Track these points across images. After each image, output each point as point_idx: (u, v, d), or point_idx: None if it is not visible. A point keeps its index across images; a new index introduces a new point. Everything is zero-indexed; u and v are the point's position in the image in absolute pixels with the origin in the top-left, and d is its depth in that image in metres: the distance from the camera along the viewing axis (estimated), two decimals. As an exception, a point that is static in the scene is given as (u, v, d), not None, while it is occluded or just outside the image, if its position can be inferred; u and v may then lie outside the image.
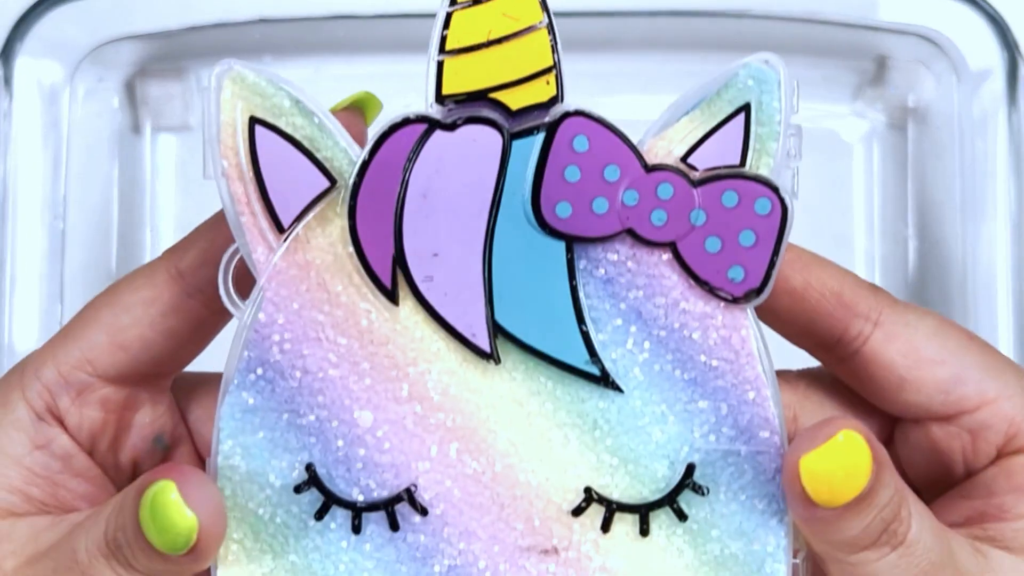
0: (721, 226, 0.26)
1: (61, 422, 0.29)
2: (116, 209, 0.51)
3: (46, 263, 0.48)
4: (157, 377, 0.29)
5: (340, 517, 0.27)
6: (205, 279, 0.28)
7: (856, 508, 0.26)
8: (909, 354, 0.29)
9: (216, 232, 0.28)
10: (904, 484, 0.27)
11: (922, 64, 0.49)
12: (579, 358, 0.27)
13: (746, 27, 0.48)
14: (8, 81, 0.46)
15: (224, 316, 0.28)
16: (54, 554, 0.28)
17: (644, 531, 0.27)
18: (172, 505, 0.26)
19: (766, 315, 0.28)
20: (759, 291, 0.27)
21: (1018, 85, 0.46)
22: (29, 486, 0.29)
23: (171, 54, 0.51)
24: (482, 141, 0.26)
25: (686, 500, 0.27)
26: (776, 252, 0.26)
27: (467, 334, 0.27)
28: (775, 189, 0.26)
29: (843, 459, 0.26)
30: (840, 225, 0.48)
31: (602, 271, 0.27)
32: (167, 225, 0.51)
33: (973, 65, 0.47)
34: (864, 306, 0.29)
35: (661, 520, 0.27)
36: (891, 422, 0.30)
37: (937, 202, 0.49)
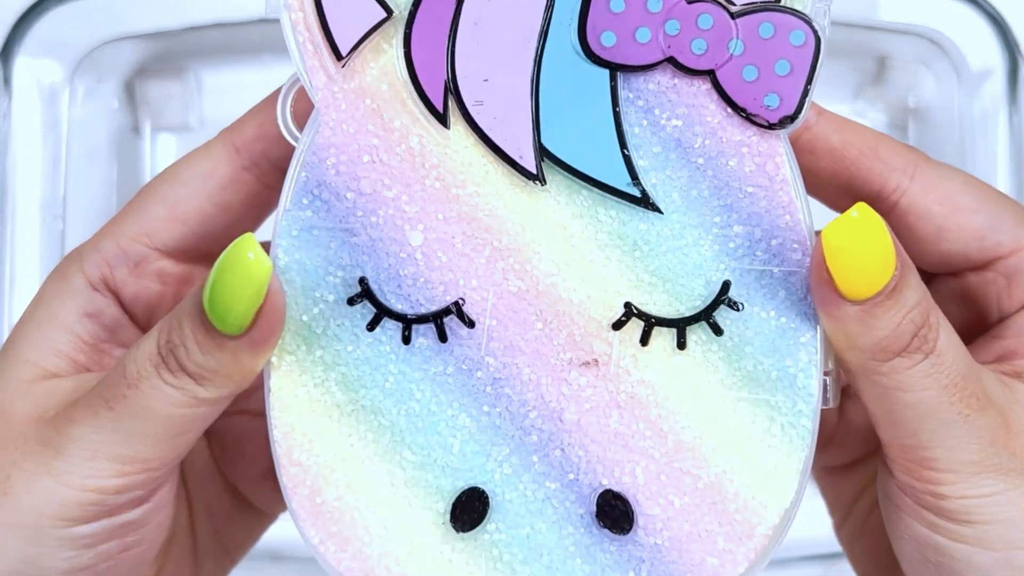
0: (758, 55, 0.27)
1: (116, 294, 0.30)
2: (115, 209, 0.51)
3: (46, 263, 0.48)
4: (212, 255, 0.29)
5: (390, 329, 0.29)
6: (260, 153, 0.30)
7: (884, 304, 0.27)
8: (945, 203, 0.30)
9: (270, 109, 0.29)
10: (930, 295, 0.28)
11: (923, 64, 0.49)
12: (621, 180, 0.28)
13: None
14: (7, 81, 0.46)
15: (276, 192, 0.29)
16: (101, 381, 0.29)
17: (681, 344, 0.28)
18: (247, 255, 0.27)
19: (808, 179, 0.29)
20: (793, 117, 0.28)
21: (1018, 85, 0.46)
22: (76, 352, 0.30)
23: (170, 54, 0.51)
24: None
25: (722, 317, 0.28)
26: (810, 80, 0.27)
27: (515, 156, 0.28)
28: (808, 22, 0.27)
29: (862, 234, 0.26)
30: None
31: (643, 100, 0.28)
32: (167, 225, 0.51)
33: (973, 65, 0.47)
34: (900, 161, 0.30)
35: (698, 335, 0.28)
36: (927, 281, 0.31)
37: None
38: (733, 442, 0.28)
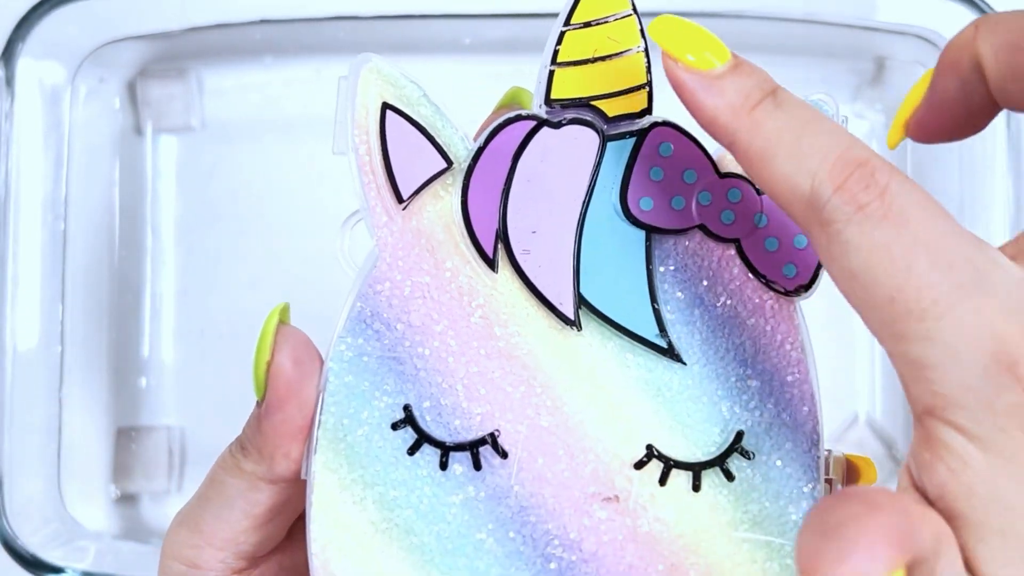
0: (779, 229, 0.31)
1: None
2: (117, 209, 0.51)
3: (46, 263, 0.49)
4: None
5: (429, 454, 0.31)
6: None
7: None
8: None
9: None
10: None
11: (921, 65, 0.49)
12: (650, 331, 0.31)
13: (746, 28, 0.48)
14: (10, 82, 0.47)
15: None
16: None
17: (696, 487, 0.31)
18: (271, 318, 0.31)
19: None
20: (808, 287, 0.31)
21: (1017, 86, 0.46)
22: None
23: (172, 55, 0.51)
24: (582, 139, 0.31)
25: (734, 464, 0.31)
26: None
27: (555, 302, 0.31)
28: None
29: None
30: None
31: (673, 261, 0.31)
32: (167, 225, 0.52)
33: (972, 66, 0.47)
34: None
35: (711, 479, 0.31)
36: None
37: (936, 202, 0.49)
38: None
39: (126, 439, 0.52)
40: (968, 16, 0.48)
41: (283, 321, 0.31)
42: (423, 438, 0.31)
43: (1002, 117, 0.48)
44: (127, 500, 0.52)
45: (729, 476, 0.31)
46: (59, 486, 0.50)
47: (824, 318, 0.52)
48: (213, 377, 0.51)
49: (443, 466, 0.31)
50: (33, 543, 0.47)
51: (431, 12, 0.49)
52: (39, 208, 0.49)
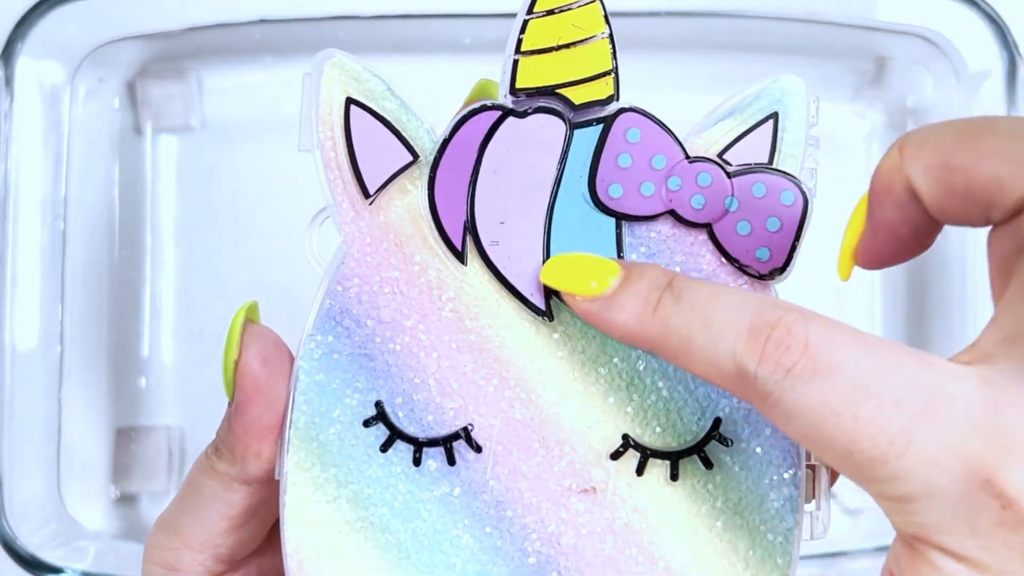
0: (751, 212, 0.30)
1: None
2: (116, 209, 0.51)
3: (46, 263, 0.49)
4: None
5: (402, 451, 0.31)
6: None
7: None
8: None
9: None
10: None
11: (921, 65, 0.49)
12: None
13: (746, 28, 0.48)
14: (9, 82, 0.47)
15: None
16: None
17: (674, 476, 0.31)
18: (236, 324, 0.30)
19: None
20: (782, 270, 0.31)
21: (1017, 86, 0.46)
22: None
23: (172, 55, 0.51)
24: (548, 128, 0.31)
25: (712, 451, 0.31)
26: (797, 237, 0.31)
27: (526, 293, 0.31)
28: (798, 184, 0.31)
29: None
30: (840, 225, 0.48)
31: (645, 248, 0.31)
32: (167, 225, 0.52)
33: (972, 66, 0.47)
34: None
35: (689, 468, 0.31)
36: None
37: (936, 202, 0.49)
38: (719, 569, 0.31)
39: (126, 439, 0.52)
40: (968, 16, 0.48)
41: (251, 320, 0.31)
42: (395, 434, 0.31)
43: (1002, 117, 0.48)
44: (127, 500, 0.52)
45: (708, 464, 0.31)
46: (59, 486, 0.50)
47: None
48: (213, 377, 0.51)
49: (416, 462, 0.31)
50: (33, 543, 0.47)
51: (431, 12, 0.49)
52: (38, 208, 0.49)
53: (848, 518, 0.52)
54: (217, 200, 0.52)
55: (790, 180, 0.31)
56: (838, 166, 0.52)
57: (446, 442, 0.31)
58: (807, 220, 0.30)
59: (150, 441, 0.52)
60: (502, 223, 0.31)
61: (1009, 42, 0.48)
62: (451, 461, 0.31)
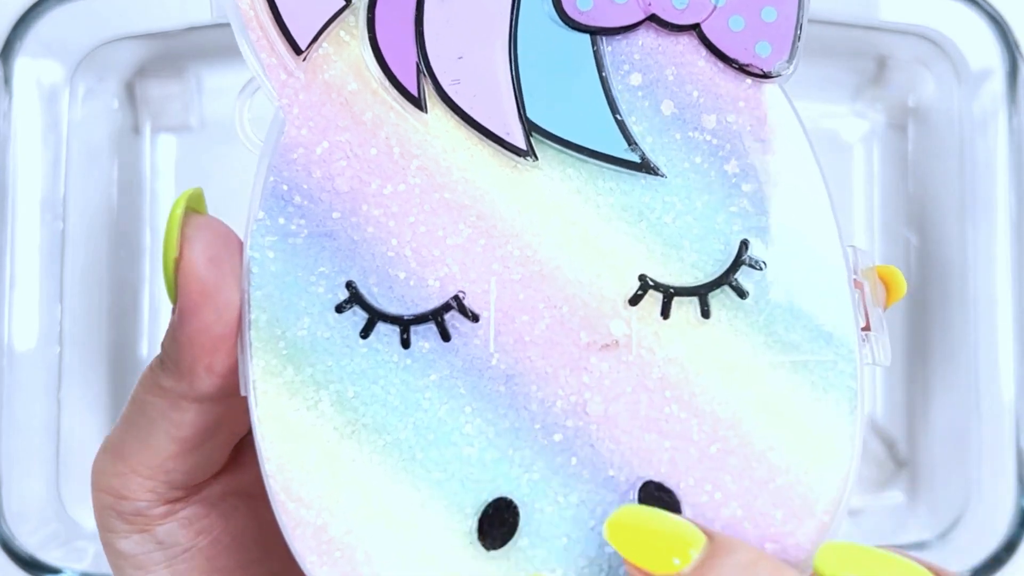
0: (743, 5, 0.27)
1: None
2: (115, 209, 0.51)
3: (45, 263, 0.49)
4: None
5: (386, 335, 0.27)
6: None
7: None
8: None
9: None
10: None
11: (922, 64, 0.49)
12: (617, 147, 0.27)
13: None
14: (8, 81, 0.47)
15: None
16: None
17: (706, 313, 0.27)
18: (175, 215, 0.26)
19: None
20: (788, 62, 0.27)
21: (1018, 85, 0.46)
22: None
23: (171, 54, 0.51)
24: None
25: (744, 278, 0.27)
26: (799, 23, 0.27)
27: (501, 133, 0.27)
28: None
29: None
30: (840, 225, 0.48)
31: (629, 64, 0.27)
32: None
33: (973, 65, 0.47)
34: None
35: (722, 301, 0.27)
36: None
37: (937, 202, 0.49)
38: (776, 413, 0.26)
39: (125, 439, 0.52)
40: (969, 16, 0.48)
41: (195, 210, 0.27)
42: (375, 316, 0.27)
43: (1002, 117, 0.48)
44: (126, 501, 0.52)
45: (742, 294, 0.27)
46: (58, 487, 0.50)
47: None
48: (212, 377, 0.51)
49: (405, 344, 0.26)
50: (31, 544, 0.47)
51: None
52: (37, 208, 0.49)
53: (849, 518, 0.52)
54: (216, 200, 0.52)
55: None
56: (838, 166, 0.52)
57: (436, 315, 0.26)
58: (806, 3, 0.27)
59: (149, 441, 0.52)
60: (460, 58, 0.27)
61: (1010, 42, 0.48)
62: (445, 337, 0.26)
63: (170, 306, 0.54)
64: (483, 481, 0.26)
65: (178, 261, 0.26)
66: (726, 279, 0.26)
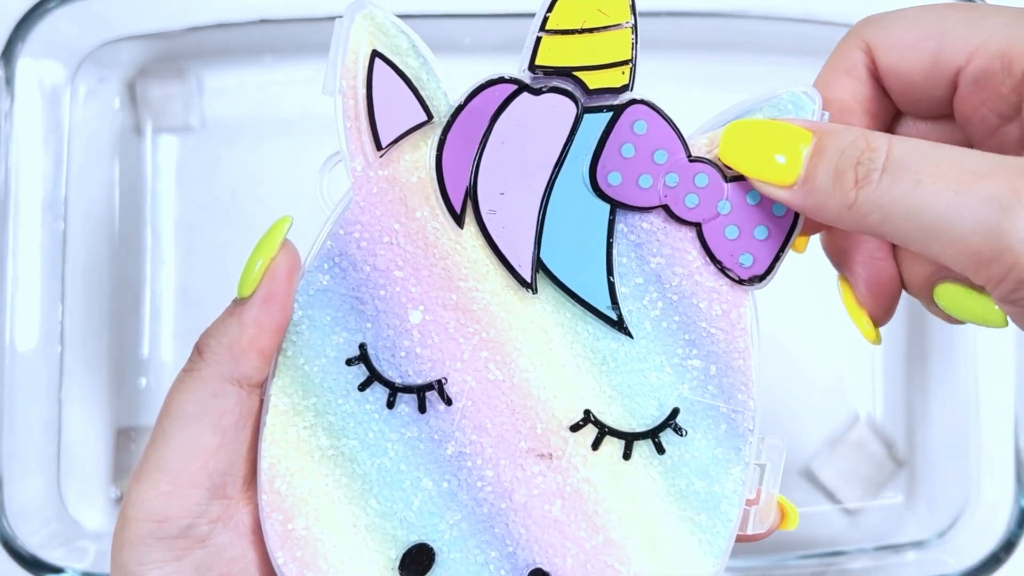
0: (742, 218, 0.31)
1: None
2: (116, 209, 0.51)
3: (46, 263, 0.49)
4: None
5: (378, 392, 0.32)
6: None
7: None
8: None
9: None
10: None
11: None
12: (603, 302, 0.32)
13: (746, 27, 0.48)
14: (9, 82, 0.47)
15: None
16: None
17: (627, 455, 0.32)
18: (281, 227, 0.32)
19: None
20: (762, 277, 0.32)
21: (1017, 86, 0.46)
22: None
23: (172, 55, 0.51)
24: (560, 108, 0.31)
25: (666, 438, 0.32)
26: (783, 248, 0.31)
27: (515, 263, 0.32)
28: None
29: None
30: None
31: (635, 236, 0.32)
32: (167, 225, 0.52)
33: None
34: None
35: (642, 450, 0.32)
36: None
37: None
38: (656, 549, 0.32)
39: (126, 439, 0.52)
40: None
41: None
42: (375, 376, 0.32)
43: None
44: (127, 500, 0.52)
45: (660, 449, 0.32)
46: (59, 486, 0.50)
47: (824, 319, 0.52)
48: (213, 377, 0.51)
49: (390, 405, 0.32)
50: (33, 543, 0.47)
51: (431, 12, 0.49)
52: (39, 208, 0.49)
53: (848, 518, 0.52)
54: (217, 200, 0.53)
55: None
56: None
57: (420, 391, 0.32)
58: (795, 233, 0.32)
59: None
60: (502, 194, 0.32)
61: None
62: (422, 409, 0.32)
63: (170, 307, 0.54)
64: (415, 525, 0.33)
65: (273, 260, 0.31)
66: (652, 434, 0.32)
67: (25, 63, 0.48)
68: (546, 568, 0.33)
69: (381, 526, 0.33)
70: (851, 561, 0.50)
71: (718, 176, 0.31)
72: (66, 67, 0.50)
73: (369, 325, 0.32)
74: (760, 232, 0.31)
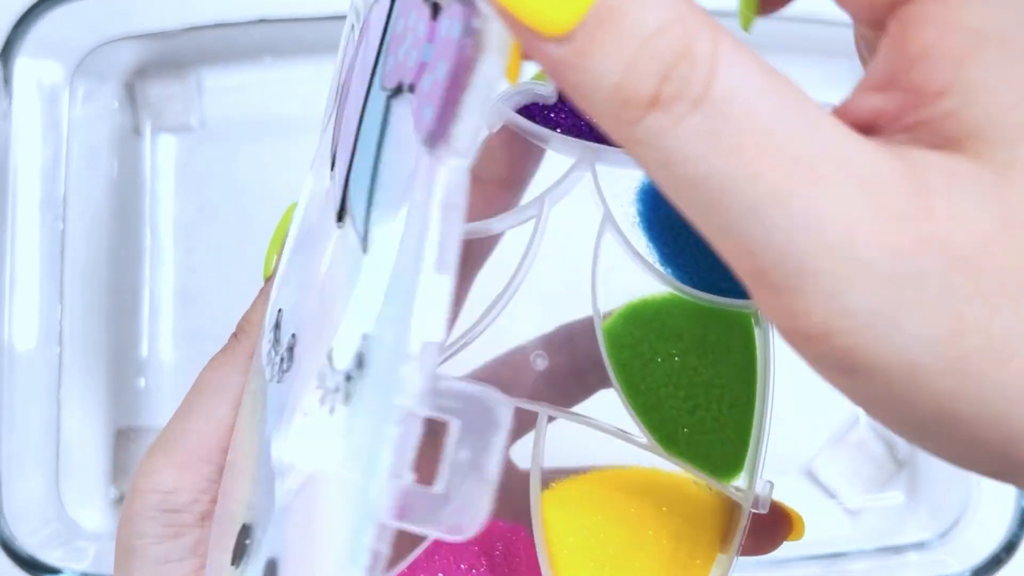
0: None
1: None
2: (115, 209, 0.51)
3: (45, 263, 0.49)
4: None
5: None
6: None
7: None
8: None
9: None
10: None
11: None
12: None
13: (746, 27, 0.48)
14: (8, 81, 0.47)
15: None
16: None
17: None
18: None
19: None
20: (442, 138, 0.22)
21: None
22: None
23: (171, 55, 0.51)
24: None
25: None
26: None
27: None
28: None
29: None
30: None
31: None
32: (167, 225, 0.52)
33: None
34: None
35: None
36: None
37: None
38: None
39: (125, 439, 0.52)
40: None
41: None
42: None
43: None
44: (126, 501, 0.52)
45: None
46: (58, 487, 0.50)
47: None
48: (212, 377, 0.51)
49: None
50: (32, 544, 0.47)
51: (431, 12, 0.49)
52: (38, 208, 0.49)
53: (848, 518, 0.52)
54: (217, 200, 0.52)
55: None
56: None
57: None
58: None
59: (149, 441, 0.52)
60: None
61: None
62: None
63: (169, 307, 0.54)
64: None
65: None
66: None
67: (24, 63, 0.48)
68: None
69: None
70: (851, 561, 0.50)
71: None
72: (65, 67, 0.50)
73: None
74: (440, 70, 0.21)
